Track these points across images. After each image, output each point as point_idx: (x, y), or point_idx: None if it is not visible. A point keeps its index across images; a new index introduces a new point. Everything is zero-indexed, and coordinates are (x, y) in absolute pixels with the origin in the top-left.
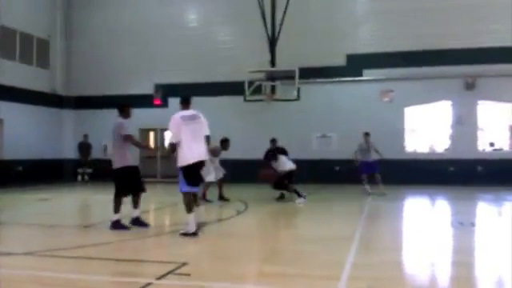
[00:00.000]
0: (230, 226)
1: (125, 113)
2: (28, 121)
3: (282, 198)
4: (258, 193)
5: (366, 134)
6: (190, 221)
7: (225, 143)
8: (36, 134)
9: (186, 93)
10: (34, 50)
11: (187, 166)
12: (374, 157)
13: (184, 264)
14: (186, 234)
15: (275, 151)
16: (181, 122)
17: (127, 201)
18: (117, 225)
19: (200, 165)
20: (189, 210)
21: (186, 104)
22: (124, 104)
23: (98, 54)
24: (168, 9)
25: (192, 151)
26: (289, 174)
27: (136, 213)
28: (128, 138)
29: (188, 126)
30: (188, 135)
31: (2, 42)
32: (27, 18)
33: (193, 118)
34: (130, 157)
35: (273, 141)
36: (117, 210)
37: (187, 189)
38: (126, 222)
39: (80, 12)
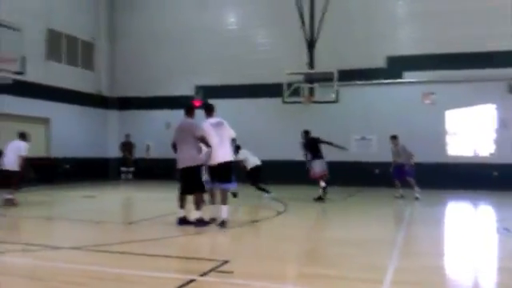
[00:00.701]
0: (270, 226)
1: (192, 113)
2: (74, 120)
3: (320, 199)
4: (296, 193)
5: (393, 138)
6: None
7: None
8: (82, 134)
9: (209, 102)
10: (80, 53)
11: (212, 165)
12: (404, 160)
13: (226, 262)
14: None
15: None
16: (211, 129)
17: (168, 198)
18: (200, 222)
19: (224, 165)
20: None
21: (210, 112)
22: (192, 106)
23: (140, 56)
24: (207, 12)
25: (218, 153)
26: (255, 171)
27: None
28: (203, 139)
29: (216, 132)
30: (216, 139)
31: (50, 45)
32: (72, 21)
33: (218, 124)
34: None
35: (306, 132)
36: (199, 207)
37: (209, 185)
38: (173, 220)
39: (123, 15)
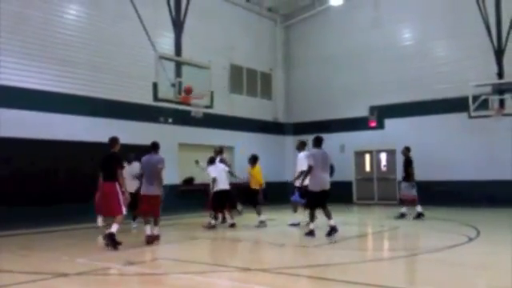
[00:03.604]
0: (461, 254)
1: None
2: (254, 147)
3: (402, 216)
4: (491, 217)
5: None
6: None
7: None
8: (261, 159)
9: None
10: (258, 84)
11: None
12: None
13: None
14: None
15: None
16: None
17: (348, 222)
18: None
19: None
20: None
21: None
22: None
23: (314, 81)
24: (382, 30)
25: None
26: (220, 195)
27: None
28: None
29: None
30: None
31: (232, 79)
32: (252, 55)
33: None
34: None
35: (407, 149)
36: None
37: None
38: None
39: (298, 44)
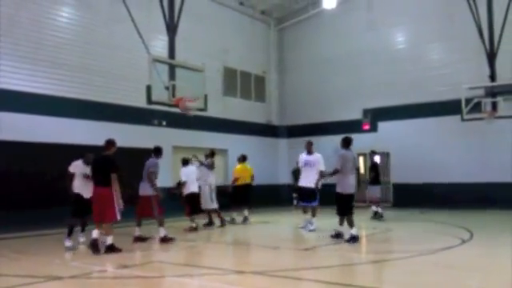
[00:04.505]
0: (455, 256)
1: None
2: (248, 150)
3: (377, 215)
4: (486, 219)
5: None
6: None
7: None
8: (255, 162)
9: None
10: (252, 86)
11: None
12: None
13: None
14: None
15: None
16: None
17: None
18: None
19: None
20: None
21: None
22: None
23: (308, 84)
24: (376, 34)
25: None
26: (192, 198)
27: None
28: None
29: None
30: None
31: (226, 81)
32: (245, 58)
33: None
34: None
35: (373, 153)
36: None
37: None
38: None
39: (292, 47)
